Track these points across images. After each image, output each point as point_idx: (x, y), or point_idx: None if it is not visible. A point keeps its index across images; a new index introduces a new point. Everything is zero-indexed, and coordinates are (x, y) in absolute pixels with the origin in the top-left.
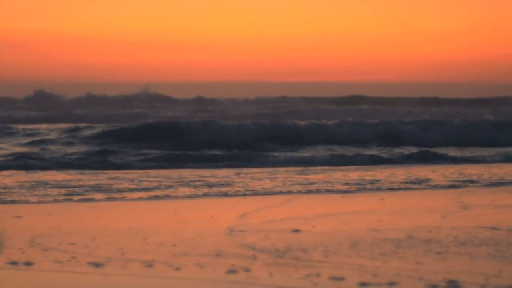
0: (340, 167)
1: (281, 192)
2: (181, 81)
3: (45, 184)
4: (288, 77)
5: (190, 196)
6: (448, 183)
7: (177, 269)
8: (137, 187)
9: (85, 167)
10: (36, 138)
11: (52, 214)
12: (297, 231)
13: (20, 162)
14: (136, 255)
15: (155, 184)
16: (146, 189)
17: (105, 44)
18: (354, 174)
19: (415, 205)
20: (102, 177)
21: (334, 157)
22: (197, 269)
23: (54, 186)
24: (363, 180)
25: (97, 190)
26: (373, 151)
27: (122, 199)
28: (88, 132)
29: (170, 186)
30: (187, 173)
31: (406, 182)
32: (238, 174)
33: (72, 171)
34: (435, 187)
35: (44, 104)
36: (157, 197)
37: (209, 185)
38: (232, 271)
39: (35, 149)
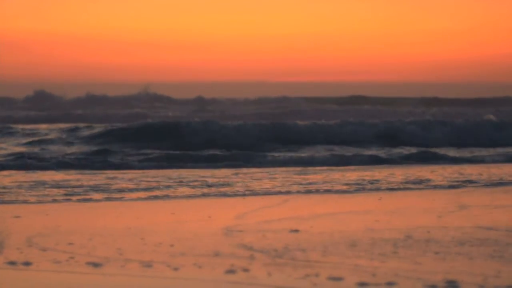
0: (340, 167)
1: (280, 192)
2: (181, 81)
3: (44, 184)
4: (288, 77)
5: (189, 196)
6: (447, 183)
7: (176, 269)
8: (136, 187)
9: (84, 167)
10: (36, 138)
11: (51, 214)
12: (296, 231)
13: (20, 162)
14: (135, 255)
15: (154, 184)
16: (145, 189)
17: (105, 44)
18: (353, 174)
19: (414, 205)
20: (101, 177)
21: (333, 157)
22: (196, 269)
23: (53, 186)
24: (362, 180)
25: (96, 190)
26: (372, 151)
27: (121, 199)
28: (87, 132)
29: (169, 186)
30: (187, 173)
31: (405, 182)
32: (237, 174)
33: (72, 171)
34: (434, 187)
35: (44, 104)
36: (156, 197)
37: (208, 185)
38: (231, 271)
39: (35, 149)
